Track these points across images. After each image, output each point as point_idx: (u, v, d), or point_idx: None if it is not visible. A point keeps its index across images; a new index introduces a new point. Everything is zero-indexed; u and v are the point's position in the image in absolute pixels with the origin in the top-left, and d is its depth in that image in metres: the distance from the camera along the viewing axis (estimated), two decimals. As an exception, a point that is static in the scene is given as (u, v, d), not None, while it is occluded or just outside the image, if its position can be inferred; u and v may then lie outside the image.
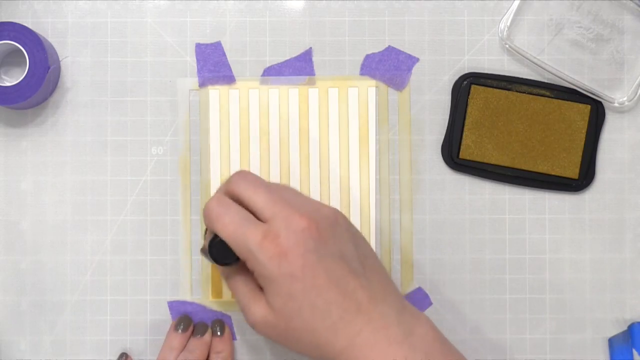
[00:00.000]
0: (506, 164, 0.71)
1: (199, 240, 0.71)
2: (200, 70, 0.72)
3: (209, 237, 0.62)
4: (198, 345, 0.69)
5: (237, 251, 0.60)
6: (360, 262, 0.61)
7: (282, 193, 0.62)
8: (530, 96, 0.71)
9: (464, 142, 0.71)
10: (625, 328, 0.70)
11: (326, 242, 0.59)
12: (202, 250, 0.63)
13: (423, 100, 0.72)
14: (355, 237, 0.62)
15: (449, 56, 0.72)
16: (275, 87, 0.72)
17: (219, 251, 0.61)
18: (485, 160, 0.70)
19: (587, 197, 0.71)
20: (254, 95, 0.72)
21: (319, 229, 0.59)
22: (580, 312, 0.71)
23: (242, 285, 0.62)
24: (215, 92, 0.72)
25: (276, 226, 0.59)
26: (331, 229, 0.60)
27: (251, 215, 0.60)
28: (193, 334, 0.70)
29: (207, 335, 0.69)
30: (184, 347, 0.69)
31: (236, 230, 0.60)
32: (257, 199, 0.60)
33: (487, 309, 0.71)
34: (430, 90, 0.71)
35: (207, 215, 0.61)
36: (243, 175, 0.63)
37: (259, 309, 0.60)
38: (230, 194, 0.62)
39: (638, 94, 0.71)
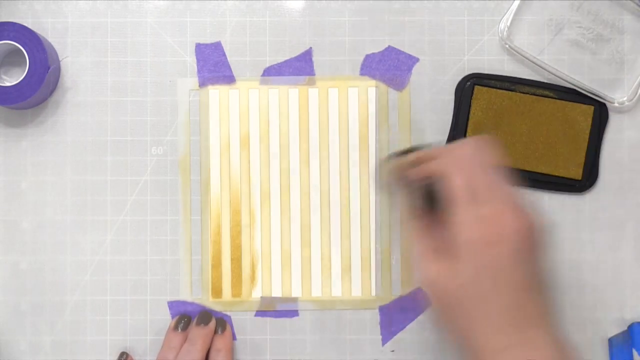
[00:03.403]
0: (509, 165, 0.70)
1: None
2: (200, 70, 0.72)
3: (424, 179, 0.60)
4: (201, 334, 0.68)
5: (459, 209, 0.58)
6: (545, 281, 0.59)
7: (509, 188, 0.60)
8: (534, 97, 0.71)
9: (464, 142, 0.71)
10: (625, 328, 0.70)
11: (533, 251, 0.58)
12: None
13: (423, 100, 0.71)
14: (548, 256, 0.62)
15: (449, 56, 0.72)
16: (275, 87, 0.72)
17: (429, 195, 0.60)
18: (486, 161, 0.70)
19: (587, 197, 0.71)
20: (254, 95, 0.72)
21: (537, 234, 0.58)
22: (580, 312, 0.71)
23: (428, 238, 0.60)
24: (215, 92, 0.72)
25: (505, 211, 0.57)
26: (542, 240, 0.59)
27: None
28: (195, 323, 0.69)
29: (211, 325, 0.69)
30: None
31: (468, 197, 0.58)
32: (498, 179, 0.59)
33: (487, 309, 0.71)
34: (430, 90, 0.71)
35: (456, 157, 0.59)
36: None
37: (436, 269, 0.58)
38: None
39: (638, 94, 0.71)
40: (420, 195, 0.60)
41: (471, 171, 0.59)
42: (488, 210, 0.58)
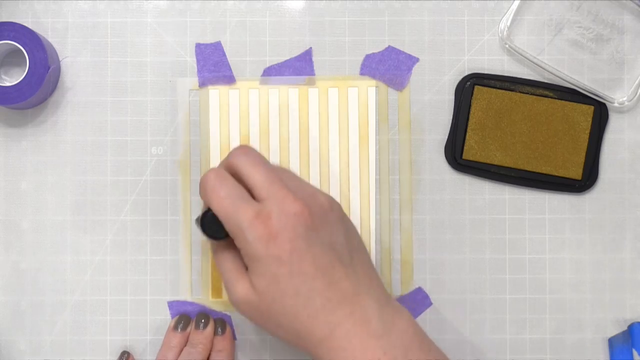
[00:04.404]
0: (509, 165, 0.70)
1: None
2: (200, 70, 0.72)
3: (203, 209, 0.62)
4: (201, 339, 0.69)
5: (227, 227, 0.60)
6: (349, 253, 0.60)
7: (281, 174, 0.62)
8: (534, 97, 0.71)
9: (467, 143, 0.71)
10: (625, 328, 0.70)
11: (317, 229, 0.59)
12: (196, 221, 0.63)
13: (423, 100, 0.72)
14: (347, 228, 0.62)
15: (449, 56, 0.72)
16: (275, 87, 0.72)
17: (210, 224, 0.61)
18: (489, 161, 0.70)
19: (587, 197, 0.71)
20: (254, 95, 0.72)
21: (311, 215, 0.59)
22: (580, 312, 0.71)
23: (229, 261, 0.62)
24: (215, 92, 0.72)
25: (269, 207, 0.59)
26: (324, 217, 0.60)
27: (246, 193, 0.60)
28: (194, 326, 0.69)
29: (210, 328, 0.69)
30: (183, 346, 0.69)
31: (229, 205, 0.59)
32: (256, 176, 0.60)
33: (487, 309, 0.71)
34: (430, 90, 0.72)
35: (202, 187, 0.61)
36: (244, 150, 0.63)
37: (241, 288, 0.60)
38: (229, 167, 0.62)
39: (638, 94, 0.71)
40: (215, 223, 0.61)
41: (229, 189, 0.60)
42: (256, 209, 0.59)
